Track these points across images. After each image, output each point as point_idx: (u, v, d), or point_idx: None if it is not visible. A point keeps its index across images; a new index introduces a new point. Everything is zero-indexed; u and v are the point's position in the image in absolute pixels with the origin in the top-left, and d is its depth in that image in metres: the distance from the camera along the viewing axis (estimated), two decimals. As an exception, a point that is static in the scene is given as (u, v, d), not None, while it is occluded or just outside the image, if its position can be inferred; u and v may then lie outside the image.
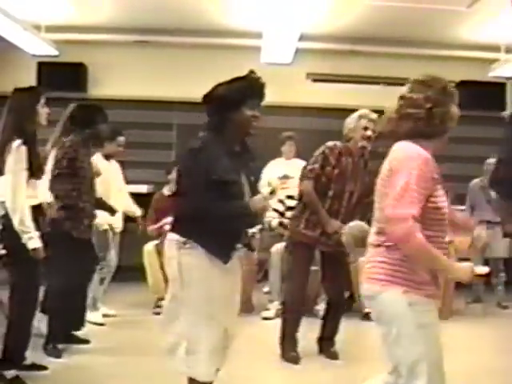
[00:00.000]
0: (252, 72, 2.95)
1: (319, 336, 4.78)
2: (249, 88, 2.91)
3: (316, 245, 4.66)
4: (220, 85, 2.94)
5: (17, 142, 3.70)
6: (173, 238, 2.87)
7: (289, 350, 4.59)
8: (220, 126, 2.92)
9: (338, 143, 4.61)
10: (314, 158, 4.59)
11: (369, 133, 4.55)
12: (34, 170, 3.77)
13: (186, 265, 2.81)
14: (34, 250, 3.70)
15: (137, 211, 6.02)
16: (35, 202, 3.87)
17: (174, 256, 2.84)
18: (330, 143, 4.61)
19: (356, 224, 4.11)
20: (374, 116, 4.56)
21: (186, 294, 2.83)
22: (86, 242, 4.58)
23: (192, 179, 2.85)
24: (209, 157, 2.82)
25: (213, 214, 2.78)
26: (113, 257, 5.67)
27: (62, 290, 4.33)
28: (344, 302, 4.99)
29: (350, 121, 4.64)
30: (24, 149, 3.71)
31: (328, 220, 4.46)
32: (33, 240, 3.70)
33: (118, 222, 5.75)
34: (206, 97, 2.95)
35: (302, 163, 5.27)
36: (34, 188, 3.85)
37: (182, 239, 2.81)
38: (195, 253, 2.80)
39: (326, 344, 4.73)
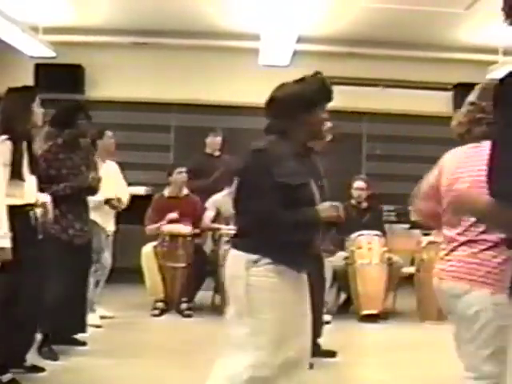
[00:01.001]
0: (318, 73, 2.78)
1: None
2: (322, 89, 2.74)
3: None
4: (284, 85, 2.77)
5: (2, 137, 3.69)
6: (239, 254, 2.61)
7: None
8: (289, 129, 2.70)
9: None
10: None
11: (330, 124, 4.58)
12: (17, 170, 3.73)
13: (256, 287, 2.56)
14: (2, 249, 3.54)
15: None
16: (19, 202, 3.77)
17: (241, 276, 2.57)
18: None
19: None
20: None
21: (255, 319, 2.56)
22: (78, 246, 4.52)
23: (255, 183, 2.62)
24: (274, 158, 2.61)
25: (279, 222, 2.57)
26: (107, 259, 5.65)
27: (56, 295, 4.28)
28: (319, 332, 4.58)
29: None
30: (8, 144, 3.69)
31: None
32: (3, 239, 3.55)
33: (109, 225, 5.74)
34: (273, 98, 2.74)
35: None
36: (20, 188, 3.78)
37: (253, 257, 2.56)
38: (266, 273, 2.56)
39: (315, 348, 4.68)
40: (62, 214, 4.39)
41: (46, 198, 4.11)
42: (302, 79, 2.77)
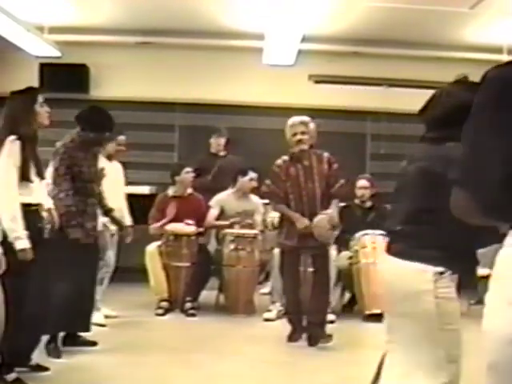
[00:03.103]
0: (466, 77, 2.72)
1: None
2: None
3: (298, 251, 5.08)
4: (454, 92, 2.64)
5: (11, 137, 3.67)
6: (421, 267, 2.42)
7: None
8: (458, 138, 2.64)
9: (286, 157, 5.13)
10: (269, 179, 5.17)
11: (298, 137, 5.02)
12: (25, 172, 3.71)
13: (445, 299, 2.42)
14: (22, 250, 3.59)
15: (127, 221, 5.75)
16: (31, 200, 3.79)
17: (429, 290, 2.40)
18: (278, 161, 5.14)
19: (320, 218, 4.87)
20: (299, 119, 5.10)
21: (446, 331, 2.47)
22: (89, 245, 4.53)
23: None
24: None
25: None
26: (111, 257, 5.65)
27: (66, 294, 4.29)
28: (323, 332, 5.06)
29: (287, 133, 5.12)
30: (18, 144, 3.67)
31: (297, 217, 4.98)
32: (20, 240, 3.59)
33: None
34: (452, 105, 2.58)
35: None
36: (29, 190, 3.78)
37: (438, 269, 2.40)
38: (449, 283, 2.42)
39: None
40: (78, 212, 4.42)
41: (50, 203, 4.13)
42: (461, 83, 2.67)
